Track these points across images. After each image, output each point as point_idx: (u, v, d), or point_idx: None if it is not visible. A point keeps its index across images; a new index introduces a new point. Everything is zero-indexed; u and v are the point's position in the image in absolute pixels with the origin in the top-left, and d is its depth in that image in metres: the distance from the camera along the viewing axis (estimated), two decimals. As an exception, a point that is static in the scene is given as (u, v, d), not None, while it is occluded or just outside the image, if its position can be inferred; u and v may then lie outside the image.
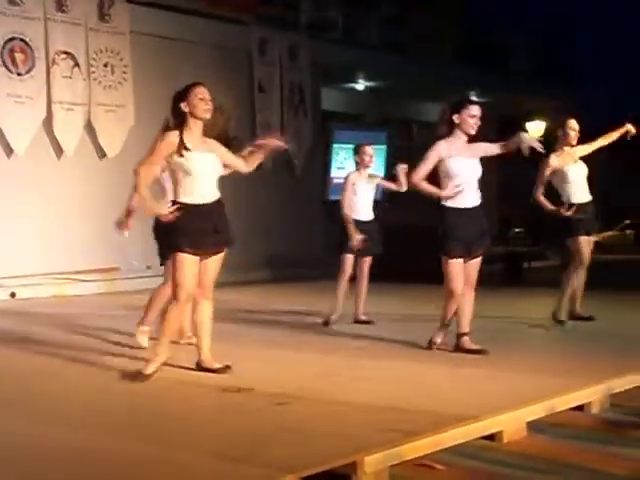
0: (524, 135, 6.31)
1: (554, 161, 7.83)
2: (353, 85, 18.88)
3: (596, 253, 8.32)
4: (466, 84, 19.83)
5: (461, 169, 6.31)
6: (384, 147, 18.41)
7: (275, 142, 5.91)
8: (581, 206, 7.84)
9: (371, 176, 8.37)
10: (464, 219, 6.32)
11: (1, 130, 12.35)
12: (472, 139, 6.40)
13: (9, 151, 12.47)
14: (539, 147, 6.20)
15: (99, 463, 3.78)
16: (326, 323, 8.12)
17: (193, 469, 3.66)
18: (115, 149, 13.29)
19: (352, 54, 17.18)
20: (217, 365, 5.74)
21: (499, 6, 26.22)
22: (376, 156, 8.86)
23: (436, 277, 6.65)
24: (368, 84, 18.91)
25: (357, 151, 8.37)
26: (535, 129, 21.67)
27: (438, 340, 6.54)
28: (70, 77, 12.96)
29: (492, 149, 6.47)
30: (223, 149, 5.78)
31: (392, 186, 8.35)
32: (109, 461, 3.82)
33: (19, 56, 12.46)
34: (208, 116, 5.61)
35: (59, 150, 12.93)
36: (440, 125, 6.50)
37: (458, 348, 6.47)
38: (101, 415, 4.76)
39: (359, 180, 8.26)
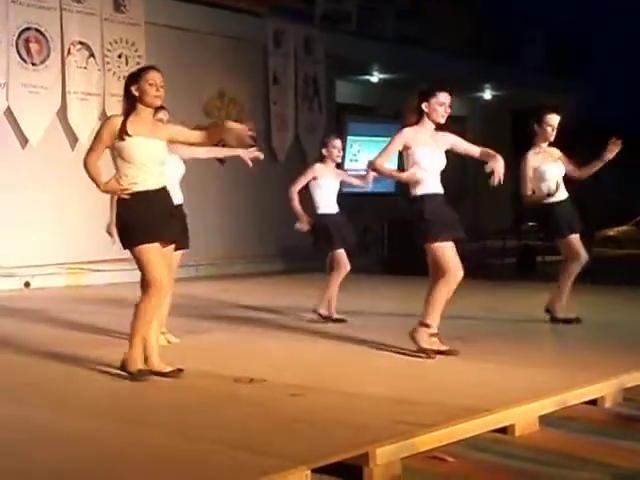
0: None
1: (533, 159, 7.69)
2: (367, 77, 18.84)
3: (610, 248, 8.22)
4: (480, 77, 19.78)
5: (425, 159, 5.97)
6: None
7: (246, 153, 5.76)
8: (558, 205, 7.68)
9: (339, 171, 8.01)
10: (440, 203, 6.01)
11: (16, 120, 12.41)
12: (441, 128, 6.07)
13: (24, 141, 12.52)
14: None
15: (114, 454, 3.80)
16: (340, 320, 7.80)
17: (206, 459, 3.66)
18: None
19: (367, 46, 17.16)
20: (169, 368, 5.35)
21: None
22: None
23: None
24: (382, 76, 18.86)
25: (325, 144, 7.86)
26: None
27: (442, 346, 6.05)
28: (85, 67, 13.01)
29: (463, 147, 6.16)
30: (177, 128, 5.45)
31: (356, 182, 8.02)
32: (124, 451, 3.84)
33: (34, 46, 12.50)
34: (158, 103, 5.26)
35: (73, 140, 12.97)
36: (407, 113, 6.21)
37: (411, 336, 6.04)
38: (114, 406, 4.79)
39: (325, 173, 7.80)
